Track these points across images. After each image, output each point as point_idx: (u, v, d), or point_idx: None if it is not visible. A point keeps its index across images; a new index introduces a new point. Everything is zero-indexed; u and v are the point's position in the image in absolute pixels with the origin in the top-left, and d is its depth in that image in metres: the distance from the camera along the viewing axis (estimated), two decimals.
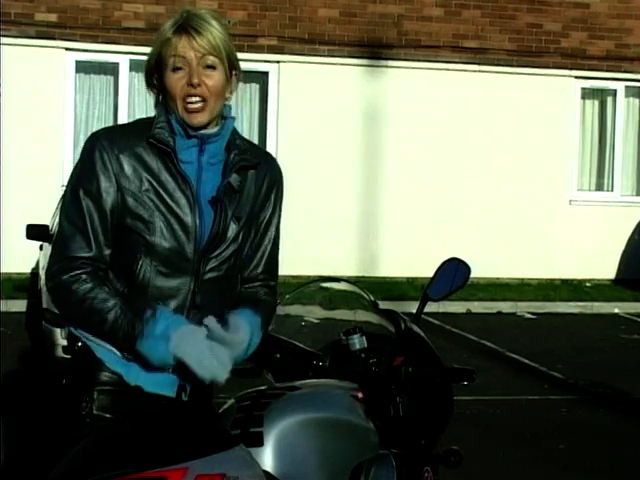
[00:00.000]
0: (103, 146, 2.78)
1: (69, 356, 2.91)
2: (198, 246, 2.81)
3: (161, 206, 2.78)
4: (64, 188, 2.87)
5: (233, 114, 2.92)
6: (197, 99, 2.76)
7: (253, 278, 2.98)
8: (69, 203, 2.81)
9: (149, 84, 2.88)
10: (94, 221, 2.77)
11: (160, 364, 2.72)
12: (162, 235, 2.77)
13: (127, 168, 2.77)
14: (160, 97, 2.86)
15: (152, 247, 2.77)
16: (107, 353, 2.81)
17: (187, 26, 2.75)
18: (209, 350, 2.67)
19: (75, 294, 2.74)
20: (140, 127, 2.85)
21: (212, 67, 2.77)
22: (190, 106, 2.77)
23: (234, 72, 2.84)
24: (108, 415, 2.78)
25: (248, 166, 2.90)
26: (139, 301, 2.76)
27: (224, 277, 2.87)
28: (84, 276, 2.75)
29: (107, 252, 2.80)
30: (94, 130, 2.92)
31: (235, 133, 2.91)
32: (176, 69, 2.76)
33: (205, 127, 2.81)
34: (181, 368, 2.69)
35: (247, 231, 2.90)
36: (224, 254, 2.85)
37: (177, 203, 2.79)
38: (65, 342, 7.99)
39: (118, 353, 2.80)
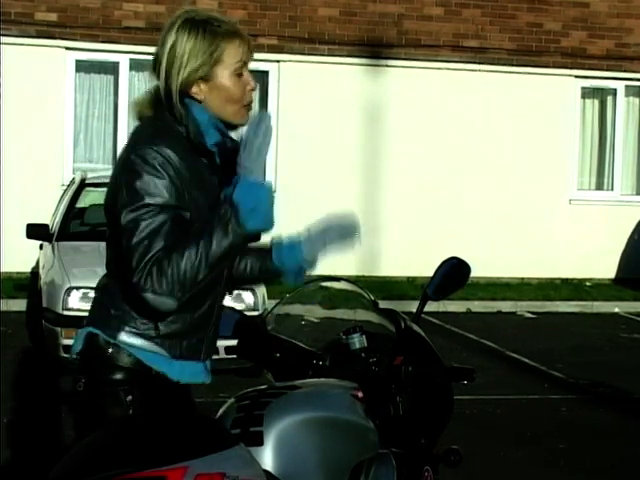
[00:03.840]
0: (169, 157, 2.75)
1: (79, 360, 2.90)
2: None
3: (205, 206, 2.80)
4: (126, 211, 2.73)
5: None
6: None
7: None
8: (141, 218, 2.71)
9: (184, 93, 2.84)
10: (172, 225, 2.72)
11: (262, 213, 2.71)
12: None
13: (194, 176, 2.79)
14: (176, 97, 2.82)
15: None
16: (150, 355, 2.84)
17: (236, 30, 2.85)
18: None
19: (167, 267, 2.67)
20: (177, 131, 2.83)
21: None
22: (247, 106, 2.90)
23: None
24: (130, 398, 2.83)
25: None
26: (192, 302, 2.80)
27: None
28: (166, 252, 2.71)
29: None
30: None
31: None
32: (239, 74, 2.85)
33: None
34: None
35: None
36: None
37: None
38: (65, 341, 7.99)
39: (164, 352, 2.84)
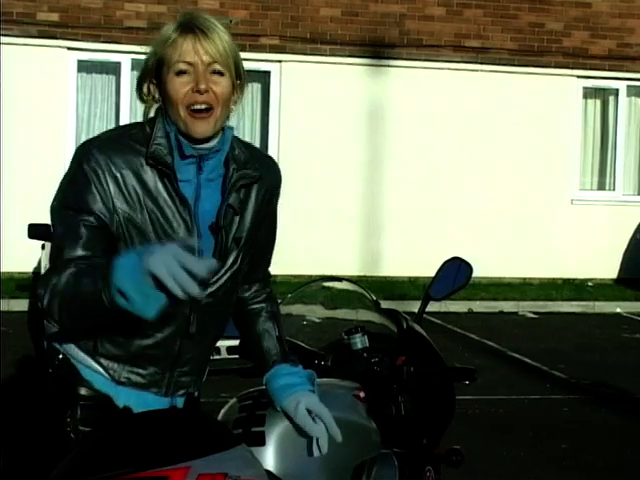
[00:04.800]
0: (99, 162, 2.56)
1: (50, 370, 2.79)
2: None
3: (159, 231, 2.61)
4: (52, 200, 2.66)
5: (234, 113, 2.74)
6: (203, 107, 2.57)
7: (254, 280, 2.94)
8: (62, 218, 2.59)
9: (139, 90, 2.65)
10: (87, 233, 2.56)
11: (137, 292, 2.24)
12: None
13: (125, 189, 2.58)
14: (152, 107, 2.66)
15: None
16: (93, 374, 2.71)
17: (194, 26, 2.55)
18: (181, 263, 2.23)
19: (59, 283, 2.49)
20: (137, 139, 2.62)
21: (220, 73, 2.59)
22: (196, 113, 2.57)
23: (239, 82, 2.68)
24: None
25: (249, 183, 2.73)
26: (132, 328, 2.61)
27: (221, 302, 2.75)
28: (71, 268, 2.51)
29: (99, 252, 2.57)
30: (93, 133, 2.80)
31: (234, 142, 2.73)
32: (180, 73, 2.56)
33: (206, 140, 2.62)
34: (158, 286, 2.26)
35: (247, 250, 2.77)
36: (222, 280, 2.72)
37: (175, 230, 2.62)
38: None
39: (106, 375, 2.70)
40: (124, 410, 2.69)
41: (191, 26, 2.56)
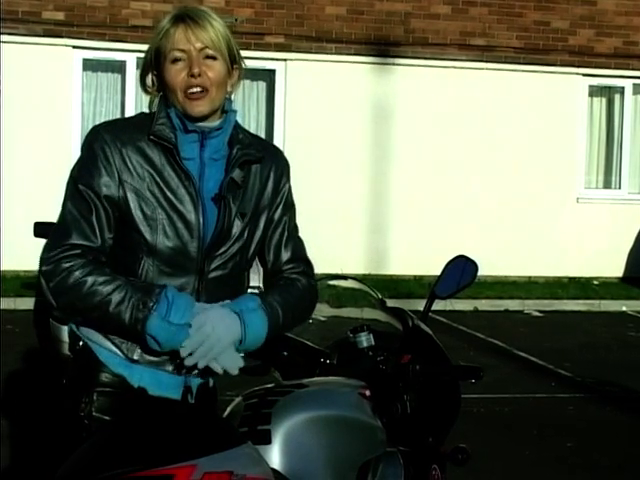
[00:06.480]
0: (105, 140, 2.72)
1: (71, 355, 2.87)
2: (202, 244, 2.75)
3: (164, 202, 2.72)
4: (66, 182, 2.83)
5: (239, 112, 2.87)
6: (198, 89, 2.71)
7: (278, 269, 2.93)
8: (72, 194, 2.74)
9: (143, 83, 2.83)
10: (99, 212, 2.71)
11: (167, 348, 2.67)
12: (164, 234, 2.72)
13: (130, 162, 2.72)
14: (156, 99, 2.81)
15: (154, 247, 2.72)
16: (109, 355, 2.77)
17: (185, 17, 2.72)
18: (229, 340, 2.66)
19: (74, 276, 2.65)
20: (142, 122, 2.79)
21: (212, 57, 2.73)
22: (191, 95, 2.71)
23: (235, 66, 2.80)
24: (107, 417, 2.74)
25: (252, 160, 2.83)
26: None
27: (229, 275, 2.81)
28: (84, 261, 2.68)
29: (108, 244, 2.74)
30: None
31: (238, 127, 2.86)
32: (175, 60, 2.72)
33: (205, 119, 2.76)
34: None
35: (253, 227, 2.85)
36: (229, 252, 2.79)
37: (180, 200, 2.73)
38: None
39: (121, 354, 2.76)
40: (138, 391, 2.75)
41: (183, 16, 2.74)
